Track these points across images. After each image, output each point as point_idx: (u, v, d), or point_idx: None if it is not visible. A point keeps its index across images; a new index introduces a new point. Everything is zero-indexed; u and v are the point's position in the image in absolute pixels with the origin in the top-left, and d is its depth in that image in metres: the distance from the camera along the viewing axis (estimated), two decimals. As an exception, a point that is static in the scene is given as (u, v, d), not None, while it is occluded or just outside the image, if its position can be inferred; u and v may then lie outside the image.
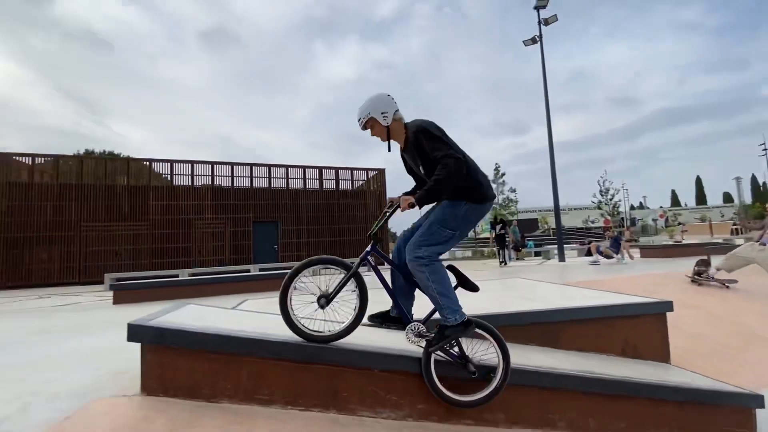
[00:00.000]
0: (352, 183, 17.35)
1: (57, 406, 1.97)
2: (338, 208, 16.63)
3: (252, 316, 3.03)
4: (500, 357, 2.13)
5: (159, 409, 1.92)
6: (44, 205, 13.06)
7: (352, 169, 17.17)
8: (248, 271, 12.56)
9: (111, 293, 8.35)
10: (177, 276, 11.66)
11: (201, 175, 14.91)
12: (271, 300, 4.75)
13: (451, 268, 2.21)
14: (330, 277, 2.18)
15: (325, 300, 2.12)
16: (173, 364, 2.09)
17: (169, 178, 14.53)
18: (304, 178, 16.33)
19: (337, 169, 16.96)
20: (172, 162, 14.63)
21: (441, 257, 2.18)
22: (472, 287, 2.20)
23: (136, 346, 3.07)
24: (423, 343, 2.11)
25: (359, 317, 2.16)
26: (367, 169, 17.37)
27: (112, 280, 10.93)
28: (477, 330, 2.14)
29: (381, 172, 17.34)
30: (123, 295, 6.37)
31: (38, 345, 3.66)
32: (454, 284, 2.18)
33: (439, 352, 2.09)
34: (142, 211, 13.88)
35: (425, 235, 2.12)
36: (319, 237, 16.20)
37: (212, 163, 15.09)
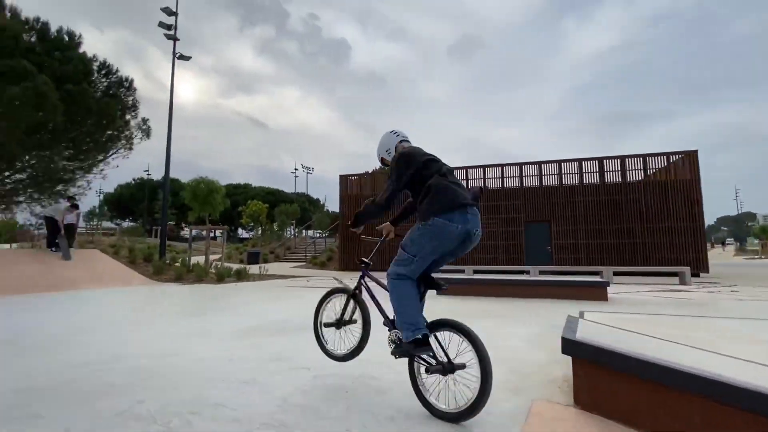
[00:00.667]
0: (645, 172, 14.31)
1: (506, 399, 2.33)
2: (626, 203, 14.10)
3: (654, 342, 2.75)
4: (478, 363, 1.90)
5: (604, 429, 1.93)
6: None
7: (645, 156, 14.16)
8: (527, 272, 12.52)
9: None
10: (462, 271, 12.99)
11: (473, 179, 16.10)
12: (618, 315, 4.33)
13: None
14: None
15: (337, 323, 2.59)
16: (607, 384, 2.07)
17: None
18: (581, 173, 14.79)
19: (622, 158, 14.42)
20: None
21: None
22: (439, 286, 2.22)
23: (515, 345, 3.35)
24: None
25: (364, 336, 2.42)
26: (668, 154, 13.89)
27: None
28: (454, 334, 2.04)
29: (691, 156, 13.42)
30: (444, 288, 7.52)
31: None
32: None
33: (418, 358, 2.13)
34: (430, 214, 16.38)
35: (397, 253, 2.23)
36: (600, 238, 14.26)
37: (483, 167, 16.02)
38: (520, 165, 15.61)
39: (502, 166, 15.85)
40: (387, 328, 2.29)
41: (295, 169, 53.07)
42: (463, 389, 1.96)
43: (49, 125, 12.01)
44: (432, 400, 2.07)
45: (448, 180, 2.15)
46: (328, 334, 2.66)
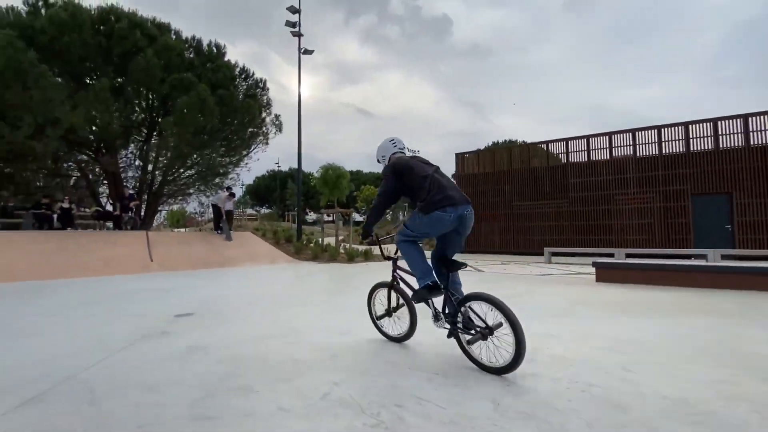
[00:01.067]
0: None
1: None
2: None
3: None
4: (509, 324, 2.18)
5: None
6: (486, 189, 16.50)
7: None
8: (704, 257, 10.13)
9: (549, 264, 8.91)
10: (612, 255, 11.21)
11: (619, 147, 13.67)
12: None
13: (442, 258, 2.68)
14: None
15: (388, 312, 3.11)
16: None
17: (585, 155, 14.34)
18: (782, 128, 11.23)
19: None
20: (588, 137, 14.34)
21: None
22: (458, 266, 2.57)
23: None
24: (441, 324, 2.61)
25: (412, 317, 2.91)
26: None
27: (549, 254, 12.04)
28: (483, 302, 2.35)
29: None
30: (605, 273, 6.42)
31: (589, 319, 3.96)
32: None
33: (459, 326, 2.48)
34: (562, 189, 14.54)
35: (401, 229, 2.78)
36: (814, 213, 10.71)
37: (633, 131, 13.42)
38: (686, 125, 12.59)
39: (659, 128, 13.03)
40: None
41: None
42: (502, 353, 2.28)
43: (207, 127, 14.06)
44: (479, 358, 2.42)
45: (439, 180, 2.58)
46: (386, 323, 3.17)
